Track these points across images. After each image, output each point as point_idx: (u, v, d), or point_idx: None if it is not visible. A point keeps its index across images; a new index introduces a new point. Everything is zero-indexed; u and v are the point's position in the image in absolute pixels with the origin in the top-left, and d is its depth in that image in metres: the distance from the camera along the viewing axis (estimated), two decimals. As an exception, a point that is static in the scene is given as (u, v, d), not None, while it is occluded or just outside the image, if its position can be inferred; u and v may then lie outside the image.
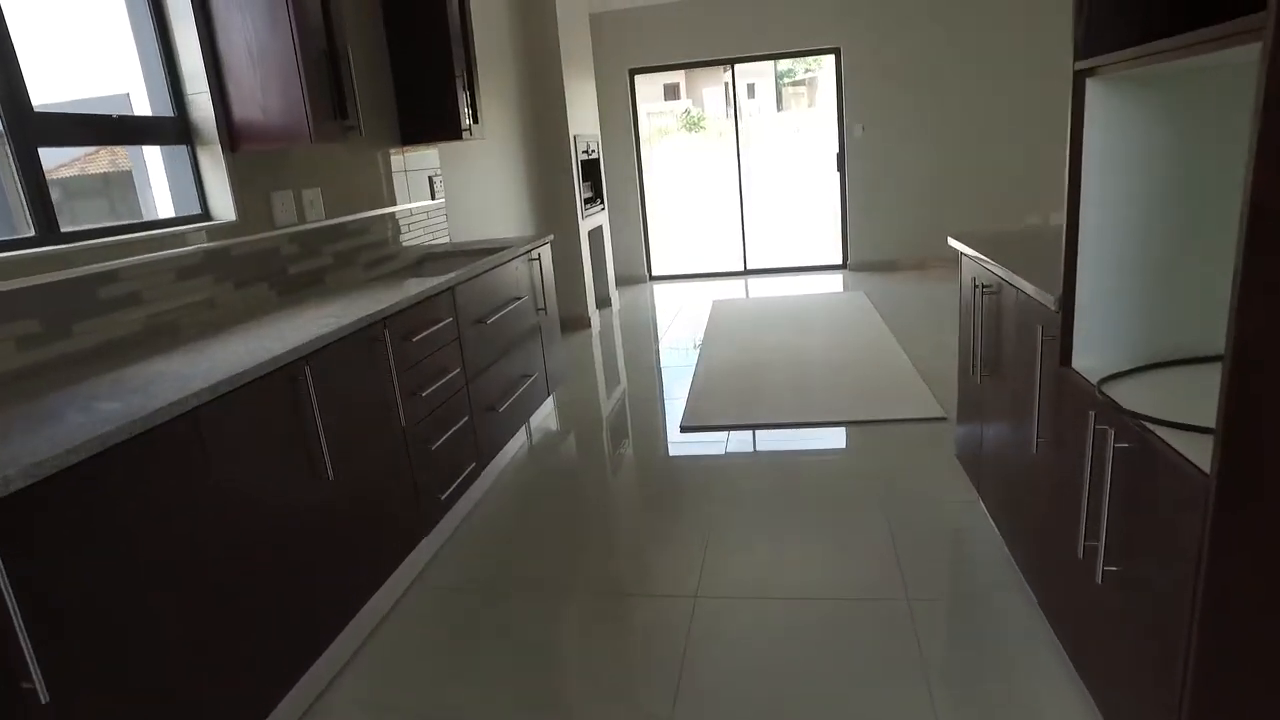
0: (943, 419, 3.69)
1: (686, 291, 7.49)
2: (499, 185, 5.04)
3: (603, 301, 6.70)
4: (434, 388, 2.70)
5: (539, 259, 3.86)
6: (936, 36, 6.99)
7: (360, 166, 3.37)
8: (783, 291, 7.10)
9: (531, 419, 3.86)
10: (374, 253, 3.41)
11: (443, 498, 2.74)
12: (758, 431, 3.77)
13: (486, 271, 3.24)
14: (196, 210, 2.63)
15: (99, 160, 2.96)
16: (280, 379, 1.90)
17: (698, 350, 5.24)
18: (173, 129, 2.54)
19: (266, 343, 2.03)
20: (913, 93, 7.13)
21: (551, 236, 4.11)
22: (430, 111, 3.71)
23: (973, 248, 2.49)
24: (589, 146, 6.35)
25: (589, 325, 6.12)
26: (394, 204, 3.62)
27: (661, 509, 3.11)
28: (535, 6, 5.63)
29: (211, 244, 2.51)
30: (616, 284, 7.28)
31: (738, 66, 7.40)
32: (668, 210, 13.47)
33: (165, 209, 2.67)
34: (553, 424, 4.16)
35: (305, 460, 1.99)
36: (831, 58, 7.31)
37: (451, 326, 2.89)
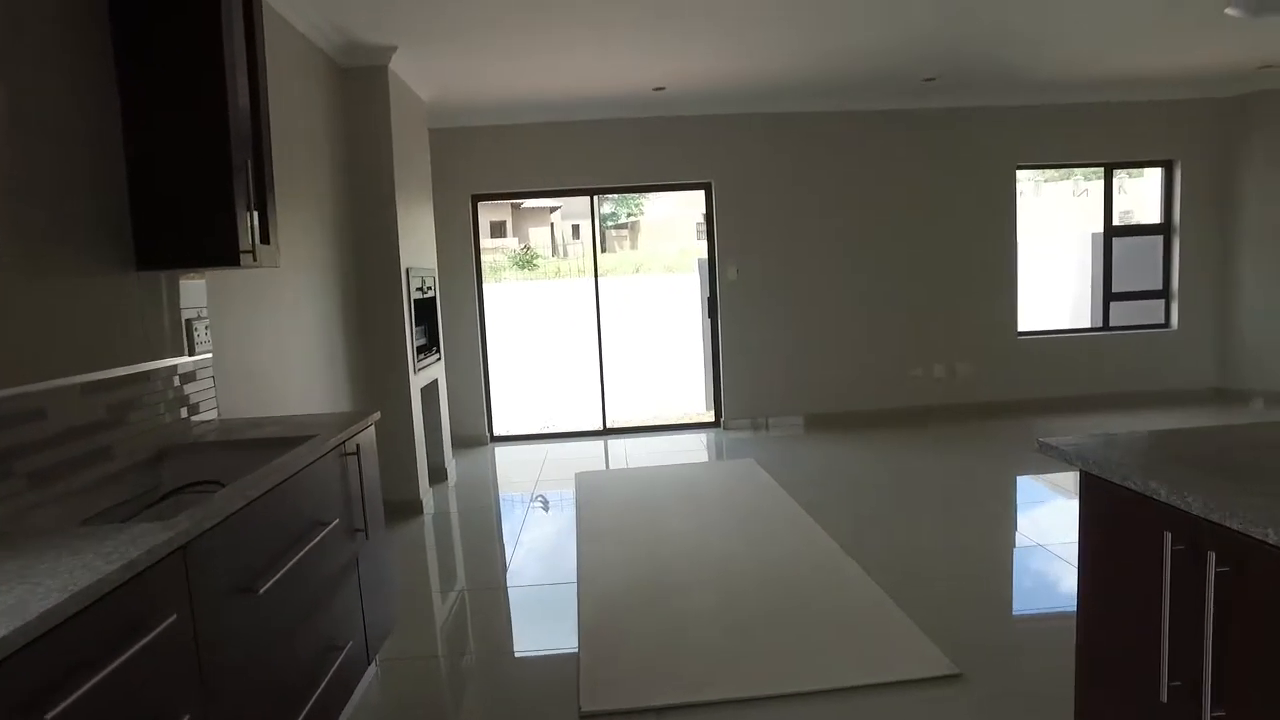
0: (955, 676, 2.60)
1: (536, 455, 6.17)
2: (302, 331, 3.62)
3: (437, 474, 5.25)
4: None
5: (358, 451, 2.47)
6: (813, 177, 6.49)
7: (45, 302, 1.91)
8: (654, 457, 5.95)
9: (343, 710, 2.35)
10: (62, 451, 1.91)
11: None
12: (699, 712, 2.48)
13: (265, 494, 1.84)
14: None
15: None
16: None
17: (573, 542, 3.92)
18: None
19: None
20: (788, 234, 6.52)
21: (378, 414, 2.73)
22: (191, 222, 2.33)
23: (1173, 486, 1.45)
24: (424, 282, 5.08)
25: (421, 511, 4.65)
26: (115, 365, 2.16)
27: None
28: (365, 109, 4.42)
29: None
30: (453, 447, 5.86)
31: (561, 207, 6.54)
32: (506, 357, 12.24)
33: None
34: (375, 694, 2.66)
35: None
36: (694, 193, 6.65)
37: (179, 628, 1.44)
